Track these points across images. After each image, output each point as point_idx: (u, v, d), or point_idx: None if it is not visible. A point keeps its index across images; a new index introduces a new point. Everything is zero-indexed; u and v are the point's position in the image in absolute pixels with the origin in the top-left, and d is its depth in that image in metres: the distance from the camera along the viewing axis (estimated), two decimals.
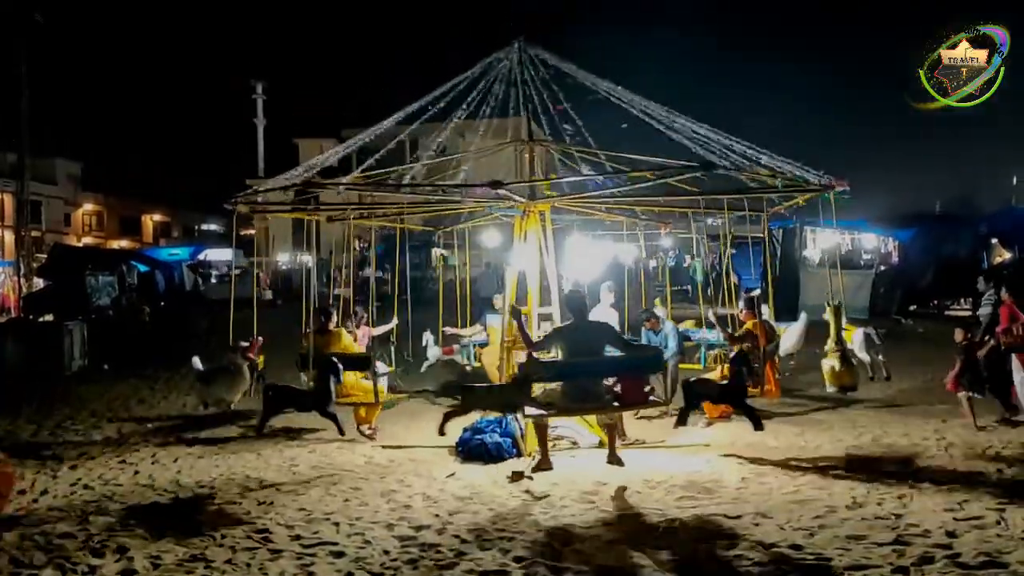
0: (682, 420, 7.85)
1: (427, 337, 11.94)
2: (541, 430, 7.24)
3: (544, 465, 7.05)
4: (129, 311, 22.76)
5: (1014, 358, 8.33)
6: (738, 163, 8.23)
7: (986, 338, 8.77)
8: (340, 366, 8.22)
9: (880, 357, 11.31)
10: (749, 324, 8.74)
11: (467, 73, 9.27)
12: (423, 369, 12.00)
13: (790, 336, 11.62)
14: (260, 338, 9.77)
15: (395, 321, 11.08)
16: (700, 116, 8.80)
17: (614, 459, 7.21)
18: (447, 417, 7.40)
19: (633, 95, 8.99)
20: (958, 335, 8.63)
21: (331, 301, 11.51)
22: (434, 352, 11.90)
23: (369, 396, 8.54)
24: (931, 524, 5.20)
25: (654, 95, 9.01)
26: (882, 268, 22.05)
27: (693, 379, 8.42)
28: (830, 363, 8.52)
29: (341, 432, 8.28)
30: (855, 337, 10.93)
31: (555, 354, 7.55)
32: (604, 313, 9.62)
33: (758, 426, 7.65)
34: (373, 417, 8.83)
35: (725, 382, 8.07)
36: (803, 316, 12.22)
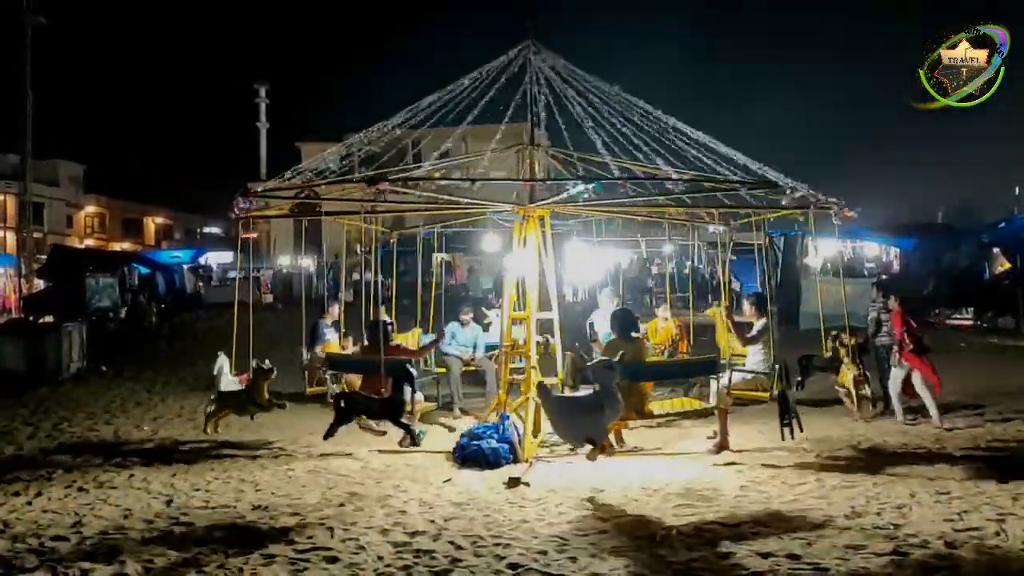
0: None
1: (221, 360, 8.96)
2: (726, 416, 8.04)
3: (726, 445, 7.82)
4: (137, 312, 22.87)
5: (901, 358, 9.22)
6: (744, 178, 8.24)
7: (871, 337, 10.05)
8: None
9: None
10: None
11: (474, 74, 9.23)
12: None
13: None
14: None
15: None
16: (697, 123, 8.85)
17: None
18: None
19: (637, 99, 8.99)
20: (846, 336, 9.36)
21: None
22: (228, 380, 8.94)
23: None
24: (930, 534, 5.15)
25: (650, 97, 9.05)
26: (883, 277, 22.01)
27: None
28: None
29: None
30: None
31: None
32: (604, 317, 9.60)
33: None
34: None
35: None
36: None
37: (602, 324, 9.74)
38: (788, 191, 8.14)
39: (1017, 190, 42.78)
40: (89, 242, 52.25)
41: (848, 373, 8.93)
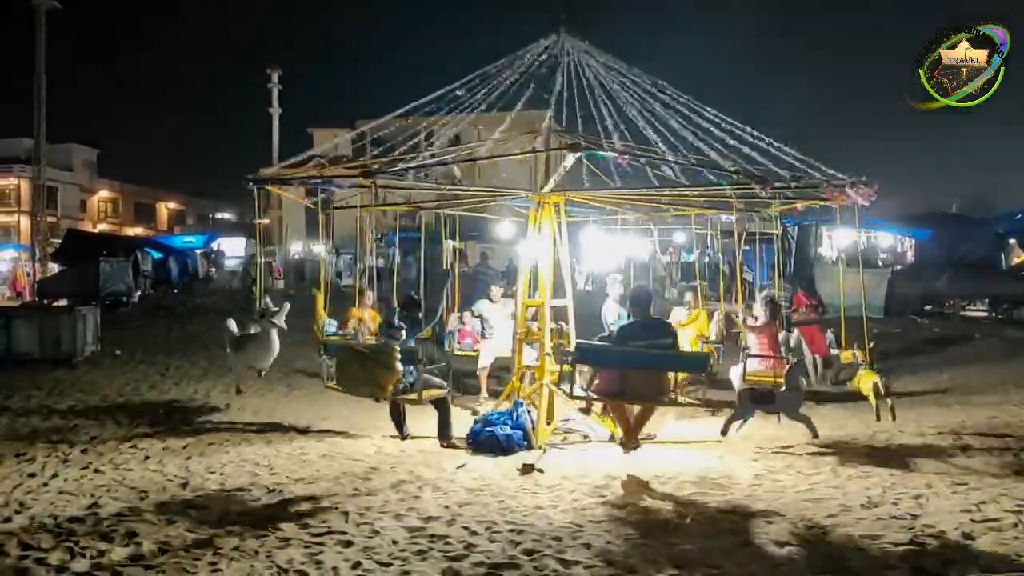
0: None
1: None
2: None
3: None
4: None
5: (801, 335, 11.00)
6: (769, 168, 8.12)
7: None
8: None
9: None
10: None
11: (498, 63, 9.16)
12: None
13: None
14: None
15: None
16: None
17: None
18: None
19: (665, 84, 8.91)
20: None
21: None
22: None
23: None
24: (947, 525, 5.11)
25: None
26: (898, 267, 21.86)
27: None
28: None
29: None
30: None
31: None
32: (608, 306, 9.58)
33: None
34: None
35: None
36: None
37: (611, 314, 9.67)
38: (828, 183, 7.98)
39: None
40: (102, 227, 52.50)
41: None
